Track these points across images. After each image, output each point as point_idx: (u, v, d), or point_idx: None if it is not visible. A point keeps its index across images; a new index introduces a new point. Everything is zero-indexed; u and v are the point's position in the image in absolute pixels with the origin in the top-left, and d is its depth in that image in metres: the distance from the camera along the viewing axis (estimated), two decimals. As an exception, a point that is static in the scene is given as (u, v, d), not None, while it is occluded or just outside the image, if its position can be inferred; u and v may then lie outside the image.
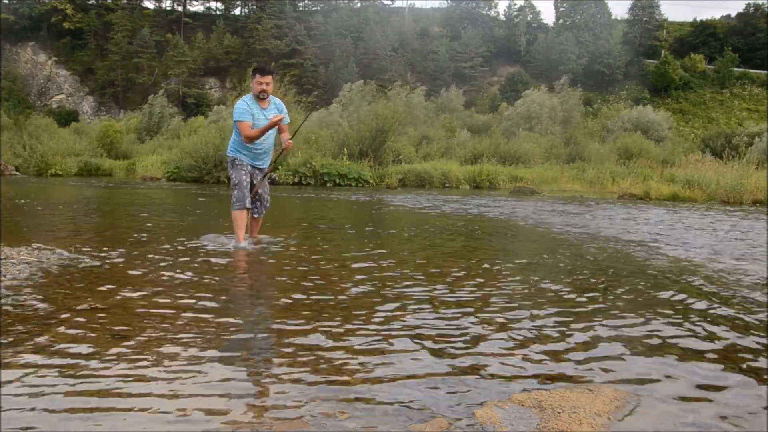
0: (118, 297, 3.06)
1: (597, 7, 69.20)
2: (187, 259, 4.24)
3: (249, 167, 4.88)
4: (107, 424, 1.63)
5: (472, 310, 3.02)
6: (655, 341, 2.56)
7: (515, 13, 73.03)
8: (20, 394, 1.81)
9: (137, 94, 60.30)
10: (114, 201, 10.65)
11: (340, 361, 2.19)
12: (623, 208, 11.08)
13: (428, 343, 2.44)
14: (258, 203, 5.04)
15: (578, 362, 2.26)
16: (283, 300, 3.13)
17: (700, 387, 2.05)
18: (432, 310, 3.00)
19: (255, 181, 4.95)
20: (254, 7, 72.40)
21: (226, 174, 6.11)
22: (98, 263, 3.97)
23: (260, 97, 4.76)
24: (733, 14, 72.56)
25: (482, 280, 3.81)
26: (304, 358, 2.22)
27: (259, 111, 4.74)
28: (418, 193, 14.44)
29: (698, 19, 71.31)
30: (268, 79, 4.80)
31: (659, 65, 61.48)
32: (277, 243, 5.10)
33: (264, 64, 5.26)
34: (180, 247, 4.73)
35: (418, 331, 2.62)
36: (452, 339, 2.51)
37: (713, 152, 25.07)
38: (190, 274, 3.71)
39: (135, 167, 21.90)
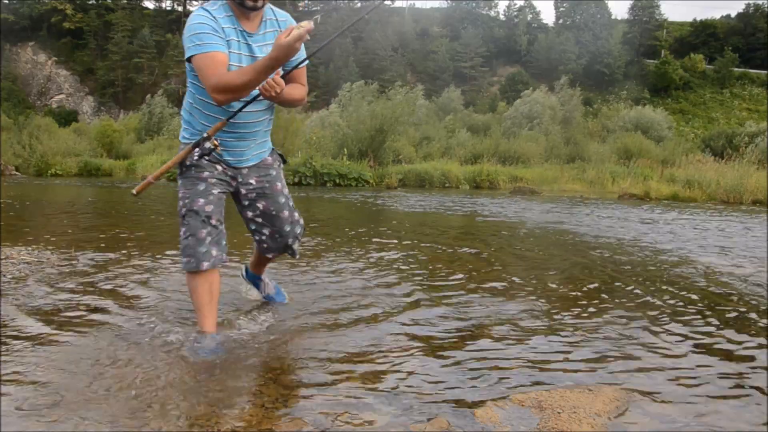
0: (120, 297, 3.06)
1: (597, 7, 69.20)
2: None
3: (218, 170, 2.37)
4: (109, 425, 1.63)
5: (472, 309, 3.02)
6: (658, 342, 2.56)
7: (515, 13, 73.06)
8: (20, 399, 1.81)
9: (137, 94, 60.26)
10: (115, 201, 10.65)
11: (340, 361, 2.19)
12: (624, 208, 11.09)
13: (428, 343, 2.44)
14: (271, 234, 2.60)
15: (579, 362, 2.26)
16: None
17: (703, 387, 2.05)
18: (432, 309, 3.00)
19: (242, 195, 2.50)
20: (254, 7, 72.37)
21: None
22: (99, 263, 3.97)
23: (246, 6, 2.19)
24: (733, 14, 72.59)
25: (483, 279, 3.81)
26: (304, 358, 2.22)
27: (238, 34, 2.22)
28: (429, 194, 14.44)
29: (698, 19, 71.38)
30: None
31: (659, 65, 61.46)
32: None
33: None
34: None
35: (418, 330, 2.62)
36: (452, 338, 2.51)
37: (713, 152, 25.05)
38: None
39: (135, 167, 21.89)
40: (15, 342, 2.30)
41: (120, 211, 8.70)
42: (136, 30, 64.88)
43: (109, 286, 3.29)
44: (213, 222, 2.32)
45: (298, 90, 2.34)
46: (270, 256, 2.67)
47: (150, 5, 75.74)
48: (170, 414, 1.70)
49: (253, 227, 2.61)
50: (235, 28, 2.21)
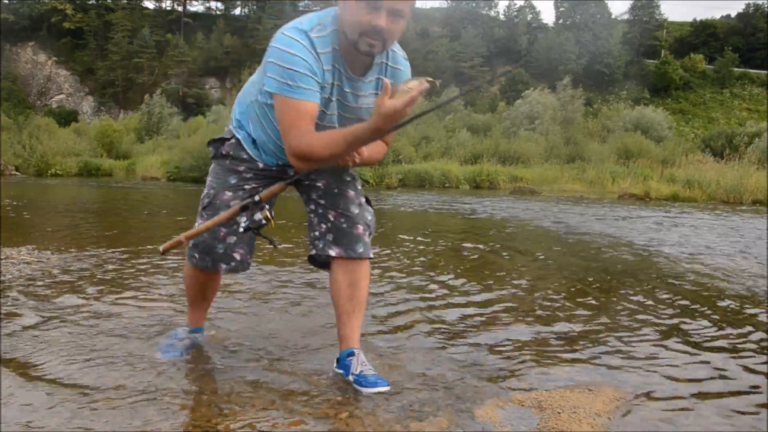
0: (122, 298, 3.06)
1: (597, 7, 69.22)
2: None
3: (257, 170, 2.00)
4: (110, 425, 1.63)
5: (472, 310, 3.02)
6: (658, 342, 2.56)
7: (515, 13, 73.08)
8: (19, 397, 1.81)
9: (137, 94, 60.18)
10: (115, 201, 10.65)
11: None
12: (625, 208, 11.09)
13: (428, 342, 2.44)
14: (336, 220, 1.99)
15: (579, 362, 2.27)
16: (285, 298, 3.13)
17: (701, 387, 2.05)
18: (432, 309, 3.00)
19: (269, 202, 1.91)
20: (254, 7, 72.44)
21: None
22: (100, 264, 3.97)
23: (360, 50, 1.70)
24: (733, 14, 72.60)
25: (480, 279, 3.81)
26: (304, 358, 2.22)
27: (336, 75, 1.79)
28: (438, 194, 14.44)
29: (698, 19, 71.37)
30: (402, 3, 1.66)
31: (659, 65, 61.45)
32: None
33: None
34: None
35: (418, 330, 2.63)
36: (452, 338, 2.52)
37: (713, 152, 25.05)
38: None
39: (135, 167, 21.91)
40: (15, 343, 2.30)
41: (119, 210, 8.70)
42: (136, 30, 64.83)
43: (108, 287, 3.29)
44: (228, 224, 1.94)
45: (378, 150, 1.90)
46: (333, 253, 1.97)
47: (150, 5, 75.83)
48: (170, 414, 1.70)
49: (316, 216, 2.02)
50: (335, 68, 1.76)
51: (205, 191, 2.01)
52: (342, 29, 1.72)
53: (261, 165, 1.98)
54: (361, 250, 1.97)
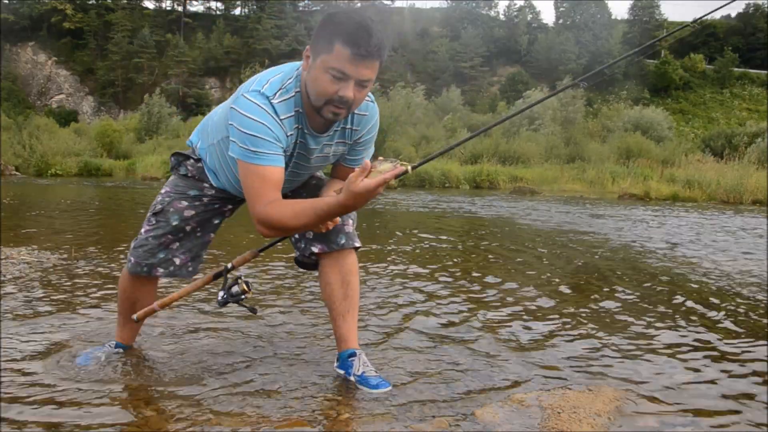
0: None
1: (597, 7, 69.26)
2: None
3: (218, 189, 1.97)
4: (109, 425, 1.63)
5: (472, 310, 3.02)
6: (657, 341, 2.56)
7: (515, 13, 73.13)
8: (22, 399, 1.81)
9: (137, 94, 60.13)
10: (114, 201, 10.65)
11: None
12: (626, 208, 11.09)
13: (428, 343, 2.44)
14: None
15: (579, 362, 2.27)
16: (284, 299, 3.13)
17: (702, 385, 2.05)
18: (432, 310, 3.00)
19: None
20: (254, 7, 72.45)
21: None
22: (100, 263, 3.97)
23: (324, 117, 1.70)
24: (733, 14, 72.59)
25: (482, 279, 3.81)
26: (304, 358, 2.22)
27: (299, 134, 1.77)
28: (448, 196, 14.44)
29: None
30: (370, 71, 1.63)
31: (659, 65, 61.47)
32: None
33: (365, 29, 1.57)
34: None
35: (418, 330, 2.63)
36: (452, 338, 2.52)
37: (713, 152, 25.06)
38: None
39: (135, 167, 21.91)
40: (14, 343, 2.30)
41: (119, 210, 8.70)
42: (136, 30, 64.84)
43: (106, 287, 3.29)
44: (188, 228, 1.94)
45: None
46: (316, 250, 1.95)
47: (150, 5, 75.81)
48: (170, 414, 1.70)
49: None
50: (298, 129, 1.74)
51: (159, 198, 1.97)
52: (306, 91, 1.69)
53: (214, 187, 1.97)
54: (342, 242, 1.94)
